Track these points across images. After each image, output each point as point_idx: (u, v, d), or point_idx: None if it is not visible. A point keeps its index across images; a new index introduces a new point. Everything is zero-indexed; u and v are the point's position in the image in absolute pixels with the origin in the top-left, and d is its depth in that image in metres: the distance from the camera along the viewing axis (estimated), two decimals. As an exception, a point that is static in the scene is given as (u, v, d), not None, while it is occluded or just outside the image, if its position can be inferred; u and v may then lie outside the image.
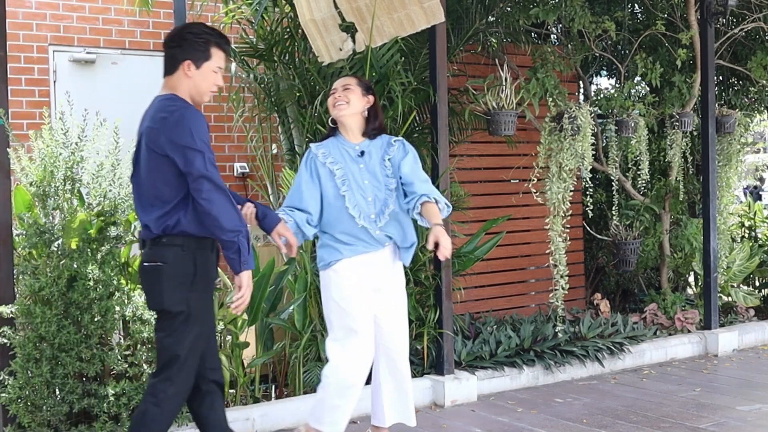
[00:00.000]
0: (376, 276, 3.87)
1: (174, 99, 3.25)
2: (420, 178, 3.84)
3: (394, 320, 3.94)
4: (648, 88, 6.98)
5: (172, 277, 3.21)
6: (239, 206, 3.39)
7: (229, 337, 4.62)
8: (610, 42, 6.87)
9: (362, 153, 3.87)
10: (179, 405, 3.33)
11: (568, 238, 5.82)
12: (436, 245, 3.63)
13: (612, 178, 6.39)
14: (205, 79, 3.32)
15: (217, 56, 3.35)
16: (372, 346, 3.83)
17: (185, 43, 3.32)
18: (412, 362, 5.11)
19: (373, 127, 3.90)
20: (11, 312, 3.88)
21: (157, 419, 3.25)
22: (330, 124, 3.97)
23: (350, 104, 3.83)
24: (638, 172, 6.45)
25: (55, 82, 6.36)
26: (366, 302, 3.82)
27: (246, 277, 3.22)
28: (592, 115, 6.00)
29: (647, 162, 6.37)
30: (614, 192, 6.36)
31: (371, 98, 3.90)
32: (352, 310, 3.78)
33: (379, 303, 3.89)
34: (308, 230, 3.80)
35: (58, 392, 3.94)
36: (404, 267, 5.07)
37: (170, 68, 3.34)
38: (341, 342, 3.79)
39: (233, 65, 5.67)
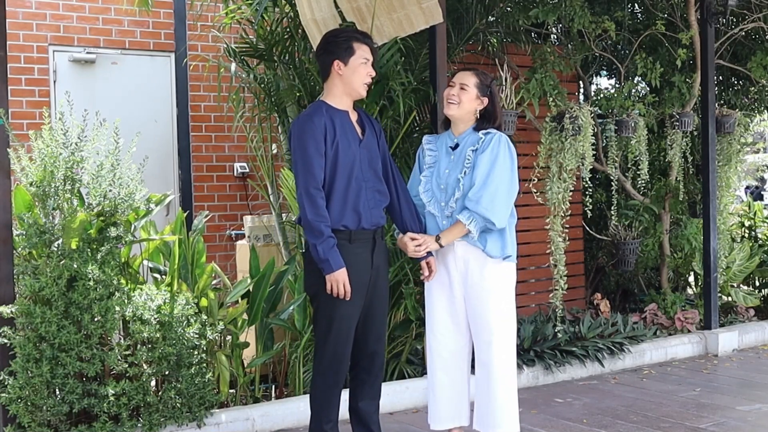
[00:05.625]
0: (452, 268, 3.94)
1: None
2: (477, 185, 3.76)
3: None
4: (648, 88, 6.98)
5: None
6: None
7: (229, 337, 4.62)
8: (610, 42, 6.86)
9: (456, 146, 3.87)
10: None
11: (568, 238, 5.82)
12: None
13: (612, 178, 6.39)
14: (355, 72, 3.60)
15: (361, 49, 3.62)
16: None
17: (330, 46, 3.63)
18: (412, 362, 5.11)
19: (484, 127, 3.87)
20: (11, 312, 3.88)
21: None
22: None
23: (460, 105, 3.83)
24: (638, 172, 6.45)
25: (55, 82, 6.36)
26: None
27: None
28: (593, 115, 6.00)
29: (647, 162, 6.37)
30: (613, 192, 6.36)
31: (485, 100, 3.85)
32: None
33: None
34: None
35: (58, 392, 3.94)
36: (406, 266, 5.07)
37: (324, 74, 3.66)
38: None
39: (233, 65, 5.67)
